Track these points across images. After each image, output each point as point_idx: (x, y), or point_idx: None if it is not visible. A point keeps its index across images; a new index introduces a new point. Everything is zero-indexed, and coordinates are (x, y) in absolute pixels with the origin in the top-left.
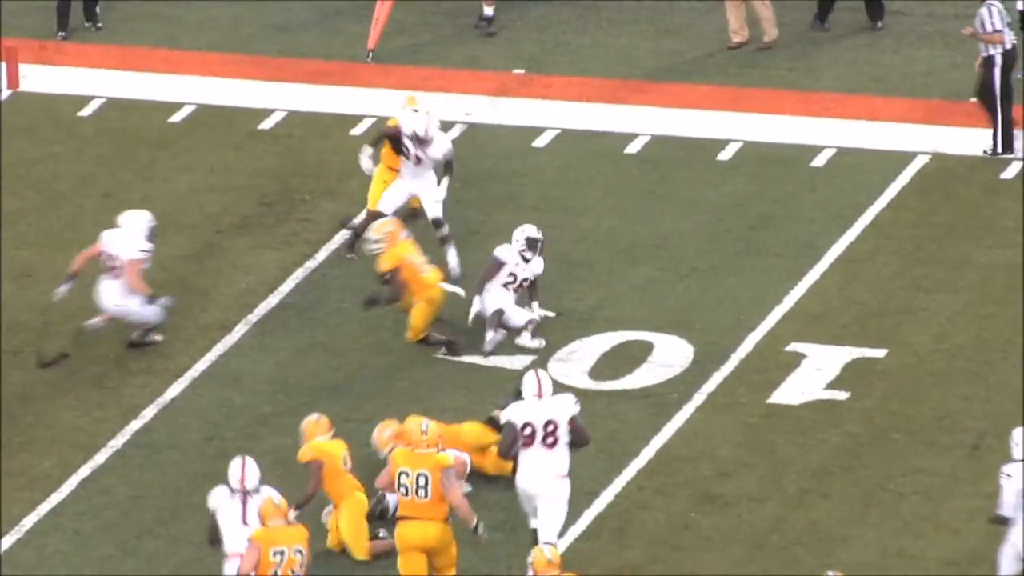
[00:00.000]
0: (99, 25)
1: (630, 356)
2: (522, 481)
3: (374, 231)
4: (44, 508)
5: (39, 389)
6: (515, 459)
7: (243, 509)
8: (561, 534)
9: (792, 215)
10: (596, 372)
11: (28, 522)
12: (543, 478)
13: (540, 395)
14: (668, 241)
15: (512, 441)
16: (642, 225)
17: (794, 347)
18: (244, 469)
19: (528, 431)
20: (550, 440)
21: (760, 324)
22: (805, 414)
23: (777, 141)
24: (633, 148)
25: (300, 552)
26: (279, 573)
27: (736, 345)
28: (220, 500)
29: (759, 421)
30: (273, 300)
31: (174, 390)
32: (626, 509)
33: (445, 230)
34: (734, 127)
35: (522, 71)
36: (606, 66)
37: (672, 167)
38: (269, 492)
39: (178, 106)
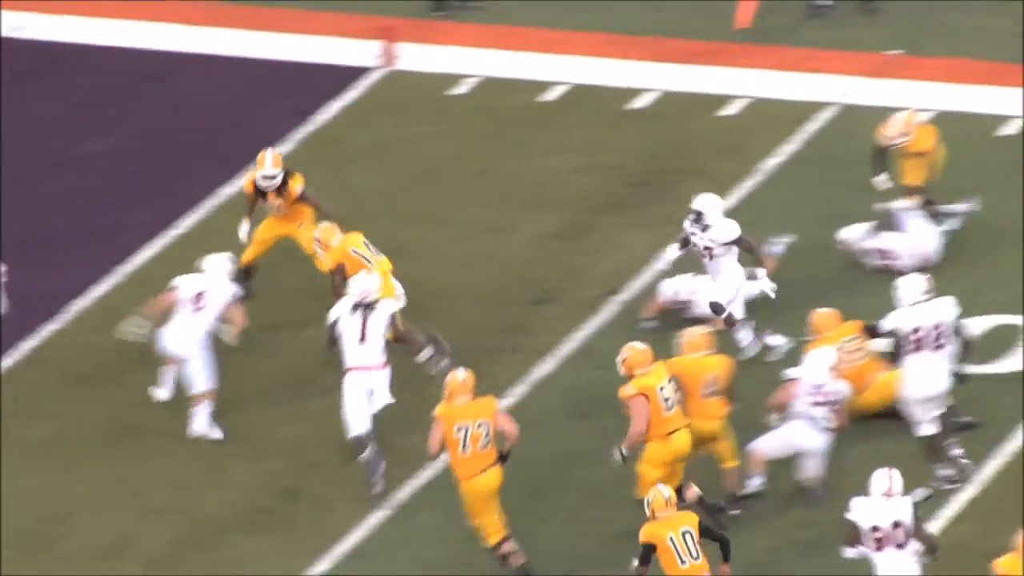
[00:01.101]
0: (477, 3)
1: (1002, 339)
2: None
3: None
4: (416, 483)
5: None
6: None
7: (363, 324)
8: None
9: None
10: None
11: (401, 497)
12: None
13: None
14: None
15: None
16: (1014, 207)
17: None
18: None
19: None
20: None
21: None
22: None
23: None
24: (1008, 130)
25: (483, 426)
26: (466, 448)
27: None
28: (341, 313)
29: None
30: (642, 280)
31: (543, 368)
32: (999, 493)
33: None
34: None
35: (900, 51)
36: (985, 47)
37: None
38: (456, 369)
39: (551, 85)
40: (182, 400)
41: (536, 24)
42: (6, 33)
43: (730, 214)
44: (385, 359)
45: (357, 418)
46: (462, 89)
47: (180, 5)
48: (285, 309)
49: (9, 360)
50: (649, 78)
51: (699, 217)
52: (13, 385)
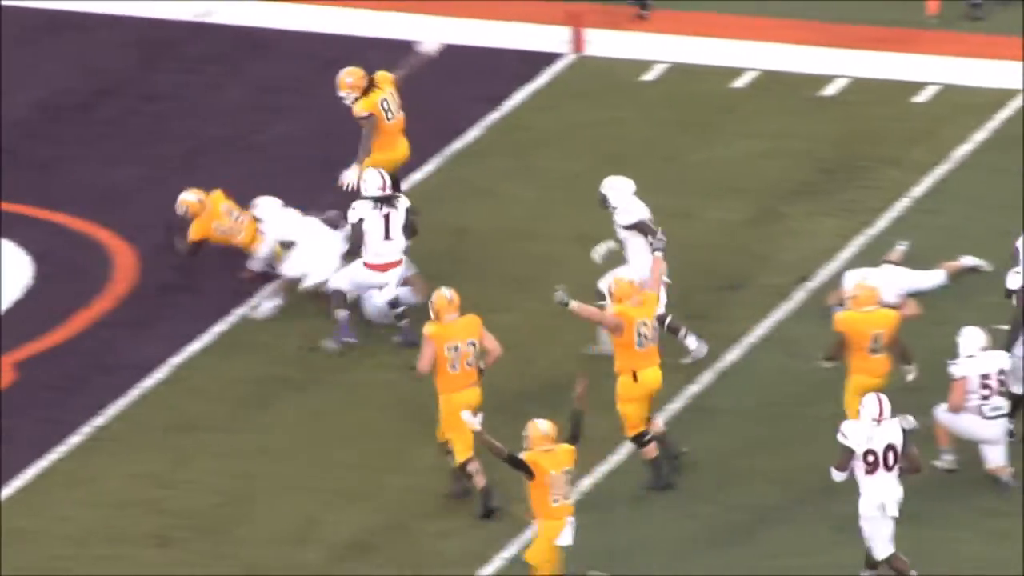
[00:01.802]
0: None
1: None
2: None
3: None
4: (602, 470)
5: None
6: None
7: (386, 224)
8: None
9: None
10: None
11: (585, 484)
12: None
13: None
14: None
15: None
16: None
17: None
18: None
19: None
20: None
21: None
22: None
23: None
24: None
25: (473, 344)
26: (455, 366)
27: None
28: (365, 212)
29: None
30: (832, 267)
31: (732, 355)
32: None
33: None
34: None
35: None
36: None
37: None
38: (443, 289)
39: (741, 71)
40: (362, 386)
41: (726, 11)
42: (195, 18)
43: (922, 201)
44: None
45: (343, 282)
46: (651, 75)
47: None
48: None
49: (198, 344)
50: (840, 65)
51: (604, 200)
52: (201, 369)
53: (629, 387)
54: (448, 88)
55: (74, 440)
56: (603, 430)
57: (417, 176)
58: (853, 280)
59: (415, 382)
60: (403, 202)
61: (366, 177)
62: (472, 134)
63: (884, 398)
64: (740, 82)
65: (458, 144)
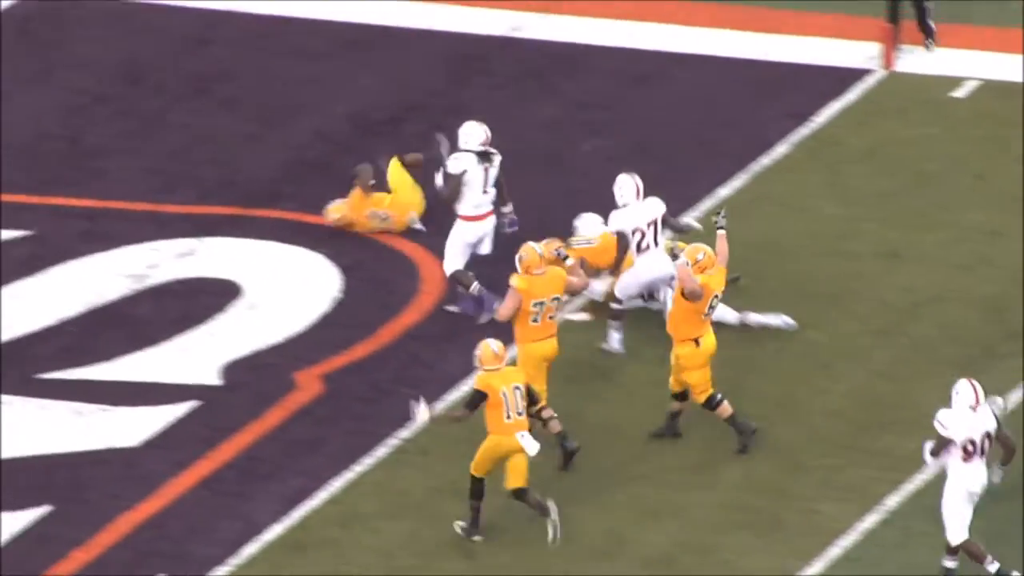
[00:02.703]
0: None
1: None
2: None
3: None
4: (908, 488)
5: (902, 370)
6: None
7: (485, 176)
8: None
9: None
10: None
11: (891, 502)
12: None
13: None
14: None
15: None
16: None
17: None
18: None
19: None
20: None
21: None
22: None
23: None
24: None
25: (557, 299)
26: (537, 319)
27: None
28: (468, 164)
29: None
30: None
31: None
32: None
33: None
34: None
35: None
36: None
37: None
38: (532, 243)
39: None
40: (661, 400)
41: None
42: (506, 33)
43: None
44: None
45: (456, 260)
46: (961, 92)
47: (675, 5)
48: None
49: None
50: None
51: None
52: None
53: (693, 354)
54: (757, 103)
55: (381, 452)
56: (908, 450)
57: (726, 191)
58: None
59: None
60: (498, 158)
61: (468, 131)
62: (781, 150)
63: (978, 384)
64: None
65: (767, 159)
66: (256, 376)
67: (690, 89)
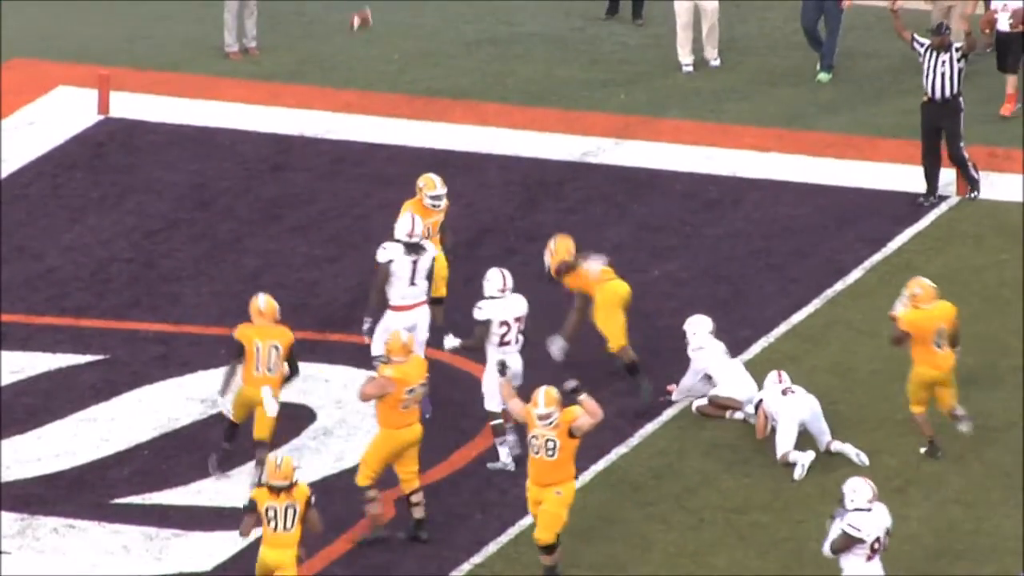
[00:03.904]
0: None
1: None
2: None
3: None
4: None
5: (978, 496)
6: None
7: (413, 269)
8: None
9: None
10: None
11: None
12: None
13: None
14: None
15: None
16: None
17: None
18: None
19: None
20: None
21: None
22: None
23: None
24: None
25: (424, 386)
26: (408, 406)
27: None
28: (395, 255)
29: None
30: None
31: None
32: None
33: None
34: None
35: None
36: None
37: None
38: (399, 331)
39: None
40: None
41: None
42: (579, 158)
43: None
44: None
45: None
46: None
47: (746, 130)
48: None
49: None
50: None
51: None
52: None
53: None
54: (831, 228)
55: None
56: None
57: (799, 316)
58: None
59: None
60: (431, 250)
61: (399, 221)
62: (855, 275)
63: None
64: None
65: (840, 285)
66: (329, 501)
67: (762, 214)
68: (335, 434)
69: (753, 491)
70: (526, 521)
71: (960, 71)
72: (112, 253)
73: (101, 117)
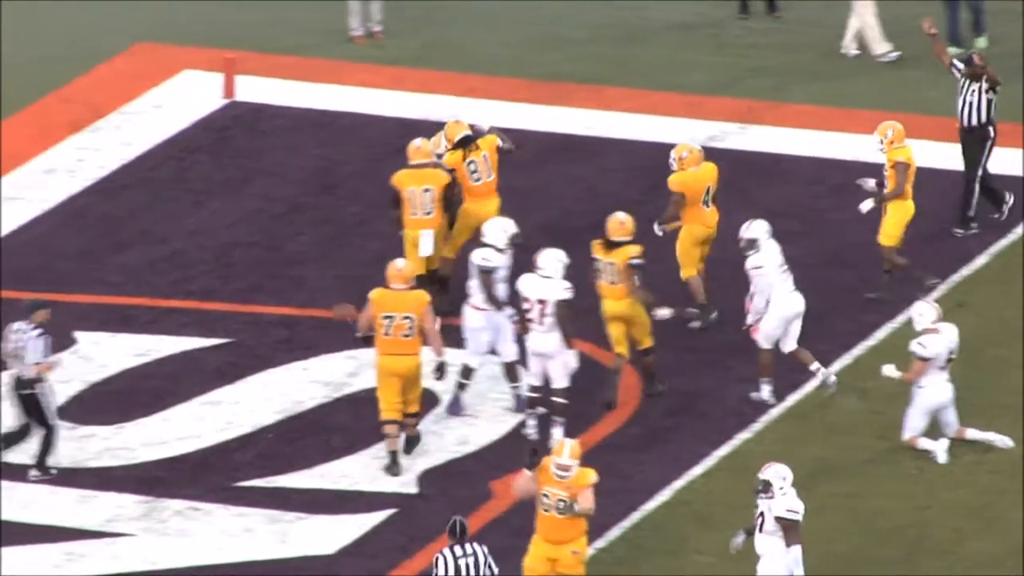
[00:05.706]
0: None
1: None
2: None
3: None
4: None
5: None
6: None
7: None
8: None
9: None
10: None
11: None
12: None
13: None
14: None
15: None
16: None
17: None
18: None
19: None
20: None
21: None
22: None
23: None
24: None
25: (409, 318)
26: (388, 333)
27: None
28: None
29: None
30: None
31: None
32: None
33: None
34: None
35: None
36: None
37: None
38: (398, 262)
39: None
40: None
41: None
42: (704, 143)
43: None
44: None
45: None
46: None
47: (872, 114)
48: None
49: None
50: None
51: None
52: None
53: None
54: (953, 215)
55: None
56: None
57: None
58: None
59: None
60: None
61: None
62: (981, 260)
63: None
64: None
65: (966, 270)
66: (452, 484)
67: None
68: (457, 417)
69: (874, 477)
70: (649, 506)
71: (989, 102)
72: (236, 237)
73: (226, 101)
